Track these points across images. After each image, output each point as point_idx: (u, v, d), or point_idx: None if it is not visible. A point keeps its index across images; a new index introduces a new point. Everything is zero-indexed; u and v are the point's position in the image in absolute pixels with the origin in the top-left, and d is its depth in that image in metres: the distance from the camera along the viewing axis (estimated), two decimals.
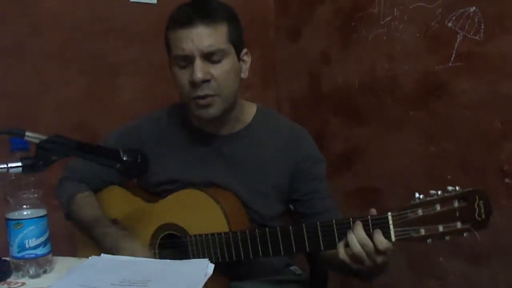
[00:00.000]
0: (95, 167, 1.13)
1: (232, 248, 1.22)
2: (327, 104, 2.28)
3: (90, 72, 1.97)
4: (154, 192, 1.40)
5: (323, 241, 1.14)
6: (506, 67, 1.64)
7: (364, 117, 2.12)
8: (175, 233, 1.30)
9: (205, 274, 0.99)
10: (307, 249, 1.17)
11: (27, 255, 1.04)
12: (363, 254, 1.08)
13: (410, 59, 1.92)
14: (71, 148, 1.03)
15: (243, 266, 1.30)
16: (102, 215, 1.35)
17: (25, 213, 1.04)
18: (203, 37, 1.22)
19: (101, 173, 1.40)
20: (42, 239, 1.05)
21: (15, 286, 1.02)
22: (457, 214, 1.04)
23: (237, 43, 1.29)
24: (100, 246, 1.28)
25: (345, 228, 1.11)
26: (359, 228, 1.08)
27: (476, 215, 1.04)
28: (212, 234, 1.23)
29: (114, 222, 1.36)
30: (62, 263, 1.12)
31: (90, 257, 1.11)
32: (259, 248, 1.20)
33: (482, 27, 1.68)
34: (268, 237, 1.19)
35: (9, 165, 0.97)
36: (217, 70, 1.24)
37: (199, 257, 1.24)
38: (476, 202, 1.04)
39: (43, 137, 1.00)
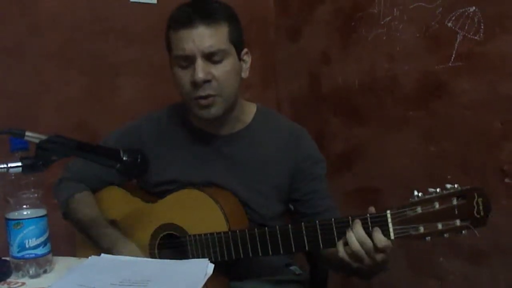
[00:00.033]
0: (95, 167, 1.13)
1: (231, 248, 1.22)
2: (327, 104, 2.28)
3: (90, 72, 1.97)
4: (154, 192, 1.40)
5: (322, 240, 1.14)
6: (506, 67, 1.64)
7: (364, 117, 2.12)
8: (174, 233, 1.30)
9: (205, 274, 0.99)
10: (306, 248, 1.17)
11: (27, 255, 1.04)
12: (362, 252, 1.08)
13: (410, 59, 1.92)
14: (71, 148, 1.03)
15: (243, 266, 1.30)
16: (100, 216, 1.35)
17: (25, 213, 1.04)
18: (204, 37, 1.22)
19: (101, 173, 1.40)
20: (42, 239, 1.06)
21: (15, 286, 1.02)
22: (456, 211, 1.04)
23: (238, 43, 1.29)
24: (97, 247, 1.28)
25: (344, 227, 1.11)
26: (358, 227, 1.08)
27: (475, 212, 1.04)
28: (211, 234, 1.23)
29: (113, 222, 1.36)
30: (62, 263, 1.12)
31: (90, 257, 1.11)
32: (259, 247, 1.20)
33: (482, 27, 1.68)
34: (268, 236, 1.19)
35: (9, 165, 0.97)
36: (218, 70, 1.24)
37: (198, 257, 1.24)
38: (475, 200, 1.04)
39: (43, 137, 1.00)
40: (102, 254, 1.14)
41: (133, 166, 1.09)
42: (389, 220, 1.07)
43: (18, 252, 1.04)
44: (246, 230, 1.21)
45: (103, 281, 0.98)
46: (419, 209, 1.05)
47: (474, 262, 1.78)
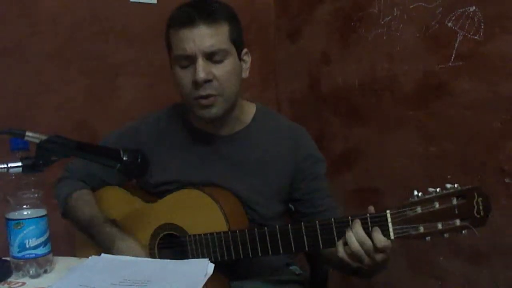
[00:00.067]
0: (95, 167, 1.14)
1: (231, 247, 1.22)
2: (327, 104, 2.28)
3: (90, 72, 1.97)
4: (154, 192, 1.40)
5: (322, 240, 1.14)
6: (506, 67, 1.64)
7: (364, 117, 2.12)
8: (174, 233, 1.30)
9: (205, 274, 0.99)
10: (306, 248, 1.17)
11: (27, 255, 1.05)
12: (362, 252, 1.08)
13: (410, 59, 1.91)
14: (71, 148, 1.03)
15: (243, 266, 1.30)
16: (99, 214, 1.35)
17: (25, 213, 1.04)
18: (205, 37, 1.22)
19: (101, 173, 1.40)
20: (42, 239, 1.06)
21: (15, 286, 1.02)
22: (456, 211, 1.04)
23: (238, 43, 1.29)
24: (96, 244, 1.28)
25: (344, 227, 1.11)
26: (357, 227, 1.08)
27: (475, 212, 1.04)
28: (211, 234, 1.23)
29: (113, 222, 1.36)
30: (62, 263, 1.12)
31: (90, 257, 1.12)
32: (258, 247, 1.20)
33: (482, 27, 1.68)
34: (267, 236, 1.19)
35: (9, 165, 0.97)
36: (219, 70, 1.24)
37: (198, 257, 1.24)
38: (475, 200, 1.04)
39: (43, 137, 1.00)
40: (103, 254, 1.14)
41: (133, 166, 1.09)
42: (389, 220, 1.07)
43: (19, 252, 1.04)
44: (246, 230, 1.21)
45: (103, 281, 0.98)
46: (419, 209, 1.05)
47: (474, 262, 1.78)
